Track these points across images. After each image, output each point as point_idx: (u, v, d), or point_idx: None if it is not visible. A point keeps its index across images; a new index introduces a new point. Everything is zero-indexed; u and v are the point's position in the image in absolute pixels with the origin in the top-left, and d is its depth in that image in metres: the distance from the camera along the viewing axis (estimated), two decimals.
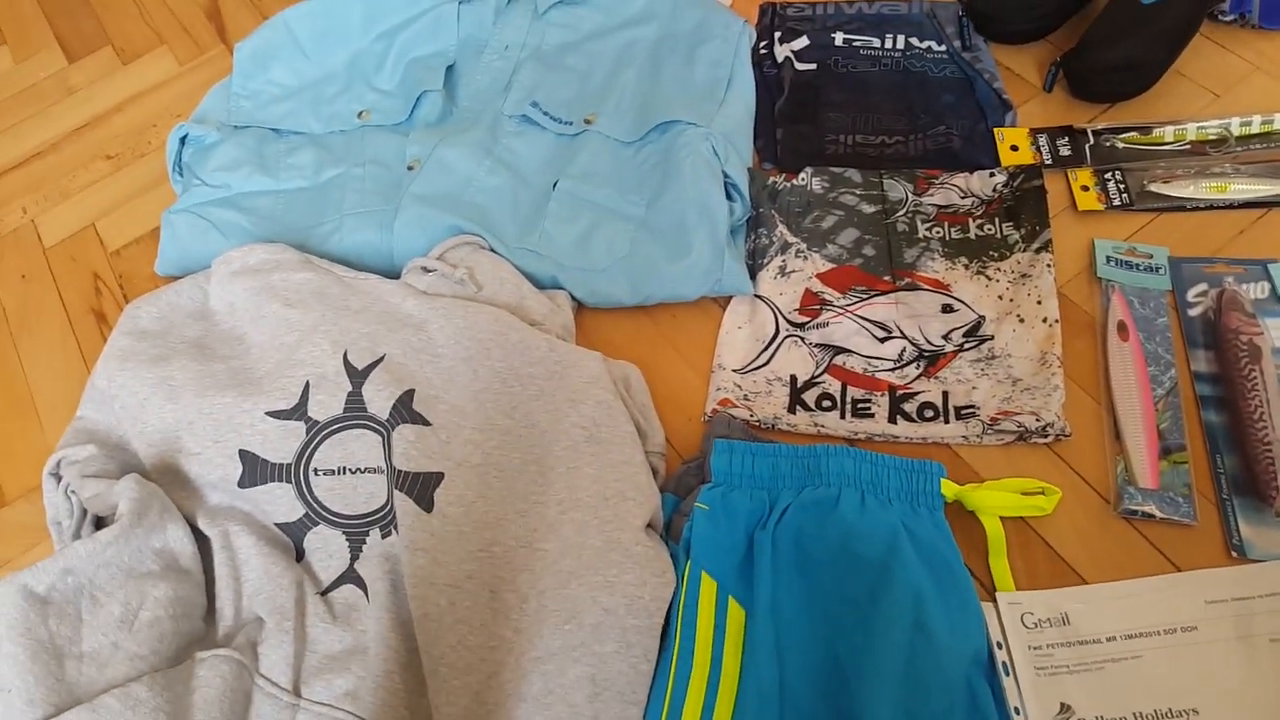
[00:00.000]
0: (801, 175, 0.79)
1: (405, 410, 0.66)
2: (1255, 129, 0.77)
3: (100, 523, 0.66)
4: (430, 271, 0.74)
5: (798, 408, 0.70)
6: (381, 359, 0.69)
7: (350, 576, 0.65)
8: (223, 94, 0.92)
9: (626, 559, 0.60)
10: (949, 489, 0.62)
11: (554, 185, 0.81)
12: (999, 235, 0.75)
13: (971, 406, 0.68)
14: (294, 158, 0.86)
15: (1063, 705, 0.56)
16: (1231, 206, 0.75)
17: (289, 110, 0.91)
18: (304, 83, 0.92)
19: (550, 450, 0.65)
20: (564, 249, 0.77)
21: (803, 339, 0.73)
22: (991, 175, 0.77)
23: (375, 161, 0.85)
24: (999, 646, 0.58)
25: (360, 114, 0.89)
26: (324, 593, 0.64)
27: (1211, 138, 0.78)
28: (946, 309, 0.72)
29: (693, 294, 0.75)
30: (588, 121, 0.85)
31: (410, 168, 0.82)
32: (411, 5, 0.94)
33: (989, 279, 0.73)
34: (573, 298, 0.77)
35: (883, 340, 0.72)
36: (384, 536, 0.65)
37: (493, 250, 0.77)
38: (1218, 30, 0.85)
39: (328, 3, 0.94)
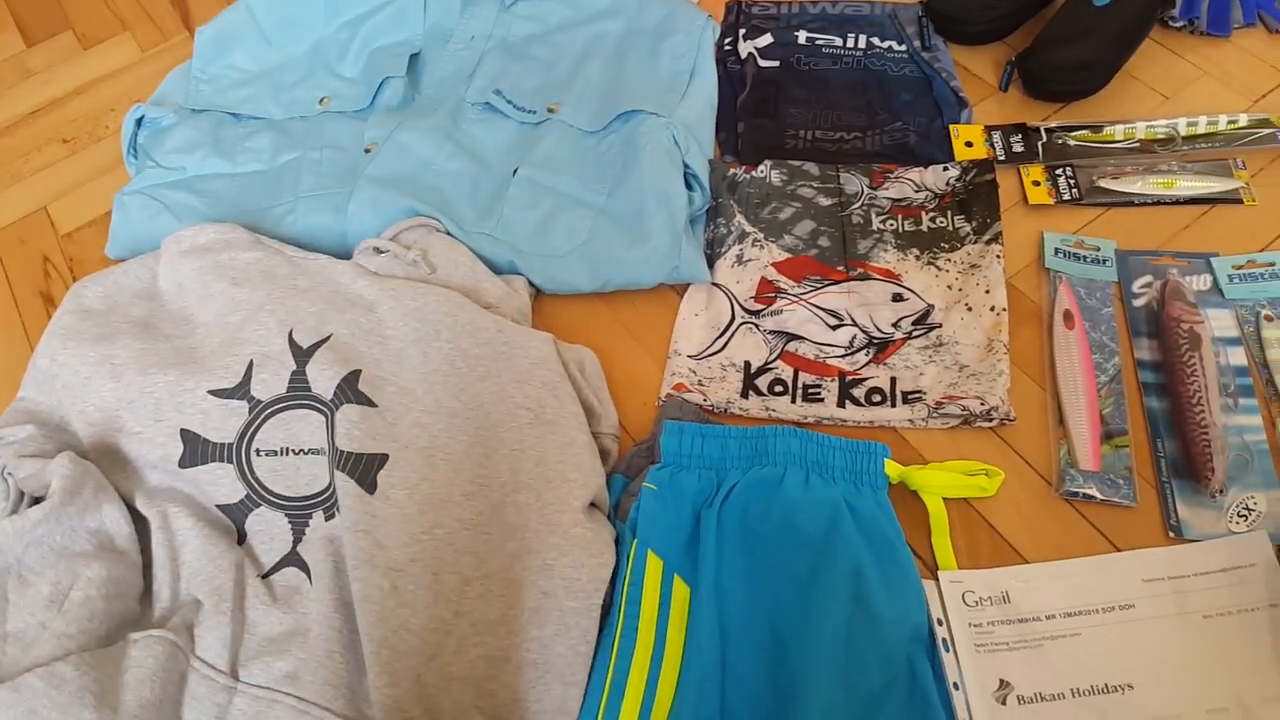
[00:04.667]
0: (761, 167, 0.80)
1: (350, 390, 0.66)
2: (1201, 129, 0.79)
3: (38, 504, 0.65)
4: (383, 252, 0.74)
5: (750, 392, 0.70)
6: (327, 338, 0.68)
7: (293, 559, 0.64)
8: (182, 77, 0.92)
9: (565, 541, 0.60)
10: (893, 469, 0.62)
11: (514, 172, 0.81)
12: (951, 228, 0.76)
13: (918, 391, 0.68)
14: (251, 141, 0.86)
15: (1001, 681, 0.56)
16: (1177, 202, 0.76)
17: (249, 95, 0.90)
18: (265, 68, 0.92)
19: (495, 432, 0.65)
20: (523, 234, 0.77)
21: (757, 326, 0.73)
22: (945, 170, 0.78)
23: (333, 146, 0.84)
24: (939, 623, 0.58)
25: (321, 100, 0.89)
26: (265, 575, 0.63)
27: (1160, 137, 0.79)
28: (897, 298, 0.73)
29: (651, 281, 0.75)
30: (551, 110, 0.85)
31: (367, 150, 0.82)
32: None
33: (939, 269, 0.74)
34: (531, 284, 0.77)
35: (834, 328, 0.72)
36: (327, 519, 0.64)
37: (449, 233, 0.77)
38: (1168, 36, 0.88)
39: None
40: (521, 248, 0.77)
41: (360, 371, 0.67)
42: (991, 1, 0.84)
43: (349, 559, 0.60)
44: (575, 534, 0.61)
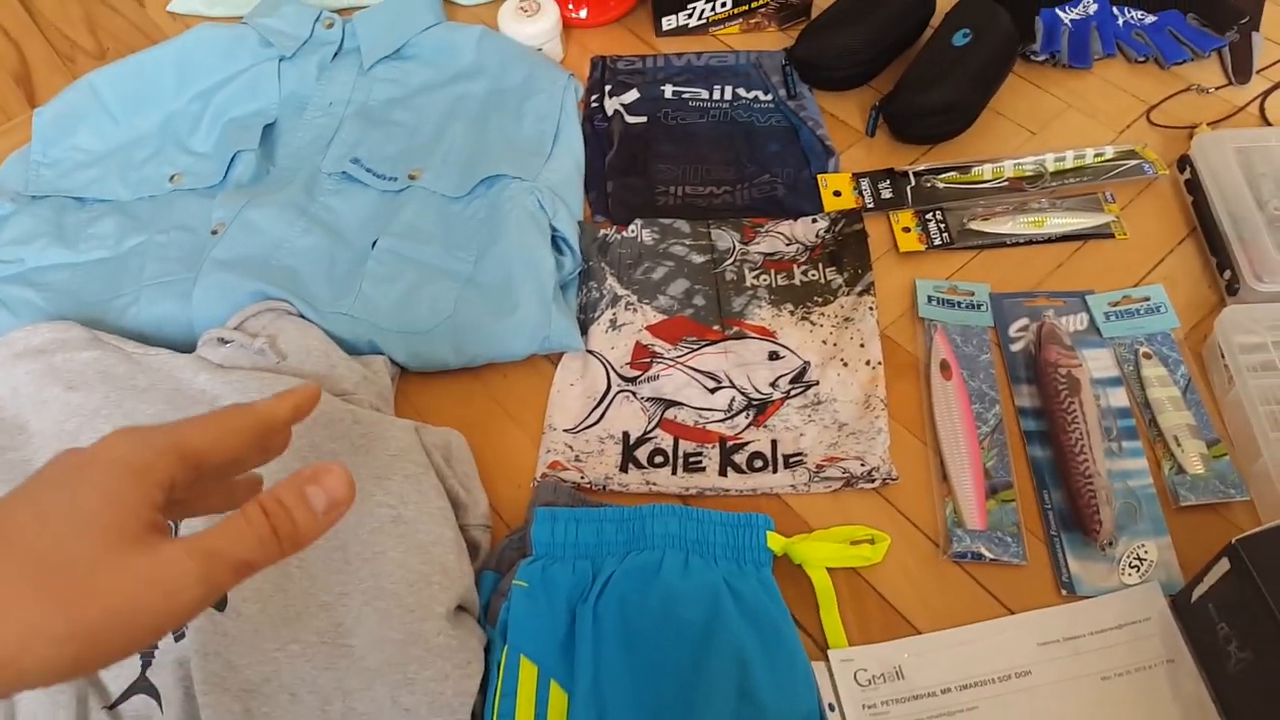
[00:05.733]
0: (632, 227, 0.78)
1: None
2: (1069, 164, 0.79)
3: None
4: (228, 343, 0.69)
5: (630, 466, 0.67)
6: None
7: (142, 686, 0.58)
8: (21, 162, 0.86)
9: (428, 652, 0.55)
10: (775, 542, 0.59)
11: (374, 244, 0.77)
12: (823, 280, 0.74)
13: (799, 454, 0.66)
14: (95, 227, 0.80)
15: None
16: (1050, 240, 0.76)
17: (94, 177, 0.85)
18: (111, 147, 0.87)
19: (355, 534, 0.60)
20: (383, 311, 0.73)
21: (634, 394, 0.70)
22: (814, 221, 0.76)
23: (181, 227, 0.79)
24: (831, 708, 0.55)
25: (172, 178, 0.84)
26: (113, 706, 0.57)
27: (1028, 174, 0.79)
28: (773, 356, 0.70)
29: (522, 353, 0.71)
30: (412, 177, 0.81)
31: (214, 232, 0.77)
32: (228, 64, 0.90)
33: (813, 324, 0.72)
34: (393, 362, 0.72)
35: (713, 391, 0.69)
36: (177, 639, 0.58)
37: (301, 316, 0.72)
38: (1031, 70, 0.88)
39: (138, 64, 0.89)
40: (382, 325, 0.72)
41: None
42: (852, 47, 0.83)
43: (197, 684, 0.55)
44: (439, 643, 0.56)
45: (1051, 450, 0.65)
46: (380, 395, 0.69)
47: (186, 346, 0.71)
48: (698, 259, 0.76)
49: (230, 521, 0.39)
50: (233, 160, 0.83)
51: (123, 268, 0.77)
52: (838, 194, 0.79)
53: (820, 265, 0.75)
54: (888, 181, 0.79)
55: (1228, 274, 0.71)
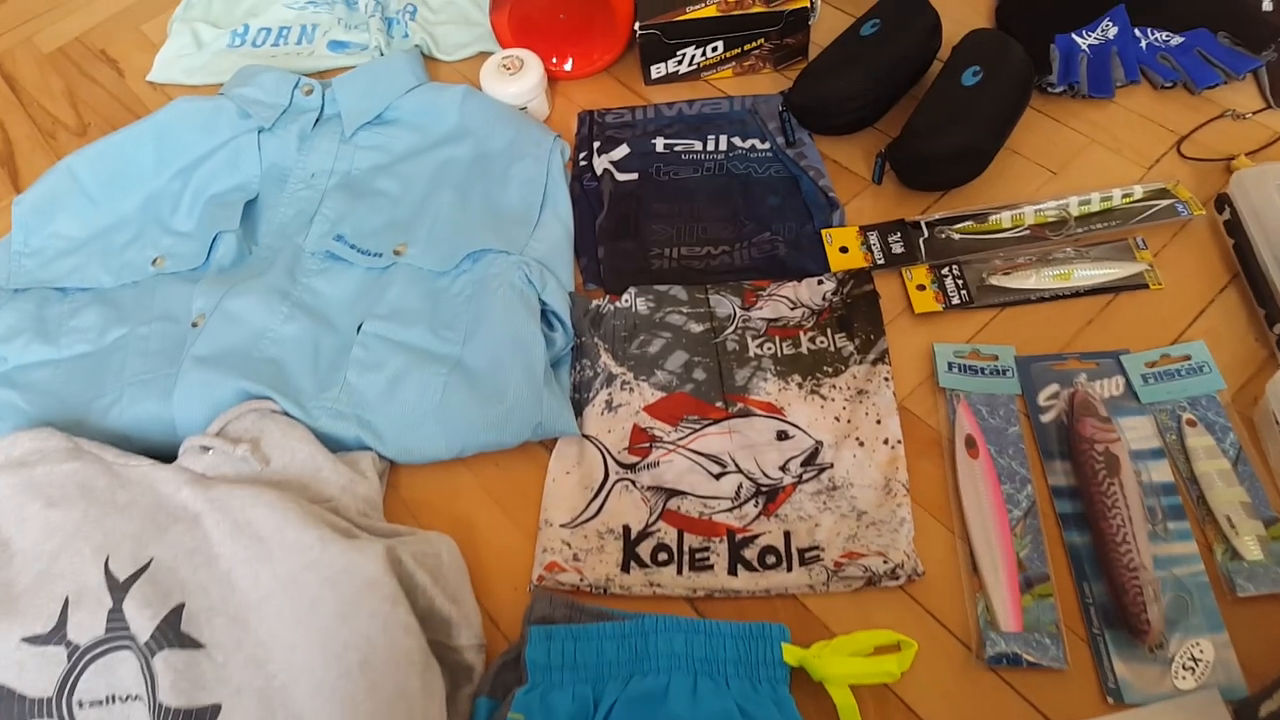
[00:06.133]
0: (625, 296, 0.73)
1: (171, 632, 0.57)
2: (1094, 206, 0.73)
3: None
4: (209, 450, 0.66)
5: (632, 564, 0.62)
6: (147, 566, 0.60)
7: None
8: (2, 253, 0.84)
9: None
10: (792, 655, 0.55)
11: (359, 328, 0.73)
12: (832, 348, 0.69)
13: (815, 548, 0.61)
14: (78, 319, 0.78)
15: None
16: (1078, 294, 0.70)
17: (76, 265, 0.82)
18: (93, 232, 0.84)
19: (326, 678, 0.56)
20: (369, 401, 0.69)
21: (634, 482, 0.65)
22: (820, 283, 0.71)
23: (164, 317, 0.76)
24: None
25: (155, 261, 0.81)
26: None
27: (1051, 220, 0.73)
28: (781, 436, 0.65)
29: (513, 441, 0.67)
30: (397, 253, 0.78)
31: (194, 324, 0.74)
32: (208, 138, 0.87)
33: (824, 398, 0.67)
34: (382, 457, 0.69)
35: (718, 476, 0.65)
36: None
37: (286, 413, 0.69)
38: (1048, 103, 0.82)
39: (116, 144, 0.87)
40: (369, 418, 0.68)
41: (183, 606, 0.59)
42: (851, 93, 0.78)
43: None
44: None
45: (1090, 536, 0.59)
46: (367, 499, 0.65)
47: (170, 447, 0.68)
48: (696, 328, 0.71)
49: None
50: (214, 241, 0.80)
51: (105, 364, 0.74)
52: (844, 250, 0.74)
53: (829, 331, 0.70)
54: (898, 234, 0.74)
55: (1279, 328, 0.65)
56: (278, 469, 0.65)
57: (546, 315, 0.73)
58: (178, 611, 0.58)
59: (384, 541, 0.60)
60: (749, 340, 0.70)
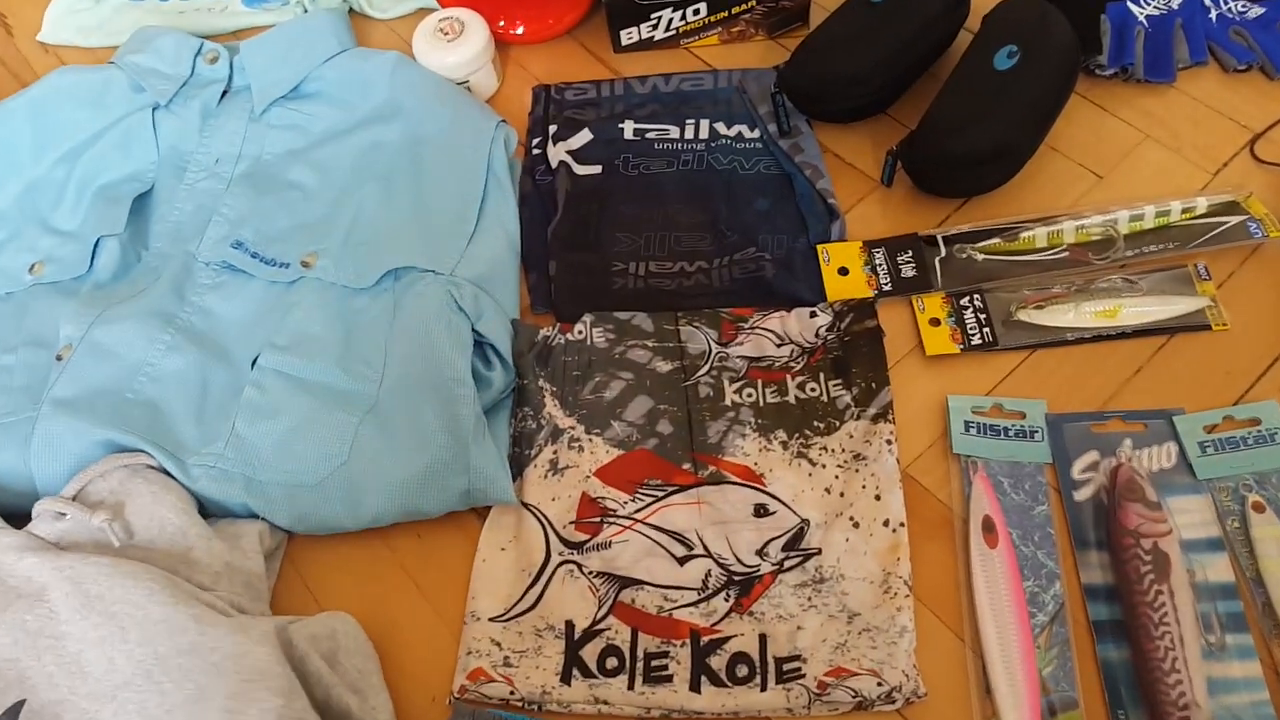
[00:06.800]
0: (579, 326, 0.61)
1: None
2: (1148, 223, 0.60)
3: None
4: (65, 515, 0.55)
5: (574, 673, 0.51)
6: None
7: None
8: None
9: None
10: None
11: (254, 362, 0.61)
12: (825, 398, 0.57)
13: (796, 658, 0.50)
14: None
15: None
16: (1124, 335, 0.57)
17: None
18: None
19: None
20: (261, 458, 0.57)
21: (580, 566, 0.54)
22: (813, 315, 0.59)
23: (33, 342, 0.64)
24: None
25: (32, 268, 0.68)
26: None
27: (1095, 239, 0.60)
28: (760, 511, 0.54)
29: (434, 510, 0.56)
30: (305, 264, 0.65)
31: (59, 357, 0.62)
32: (94, 117, 0.74)
33: (813, 463, 0.55)
34: (275, 528, 0.57)
35: (682, 561, 0.54)
36: None
37: (162, 470, 0.57)
38: (1095, 87, 0.68)
39: None
40: (260, 479, 0.57)
41: (24, 702, 0.48)
42: (859, 75, 0.64)
43: None
44: None
45: (1130, 653, 0.48)
46: (248, 586, 0.54)
47: (27, 505, 0.57)
48: (663, 367, 0.59)
49: None
50: (96, 247, 0.67)
51: None
52: (844, 271, 0.61)
53: (821, 376, 0.58)
54: (909, 253, 0.61)
55: None
56: (141, 543, 0.54)
57: (483, 348, 0.60)
58: (18, 707, 0.48)
59: (272, 621, 0.49)
60: (725, 384, 0.58)
